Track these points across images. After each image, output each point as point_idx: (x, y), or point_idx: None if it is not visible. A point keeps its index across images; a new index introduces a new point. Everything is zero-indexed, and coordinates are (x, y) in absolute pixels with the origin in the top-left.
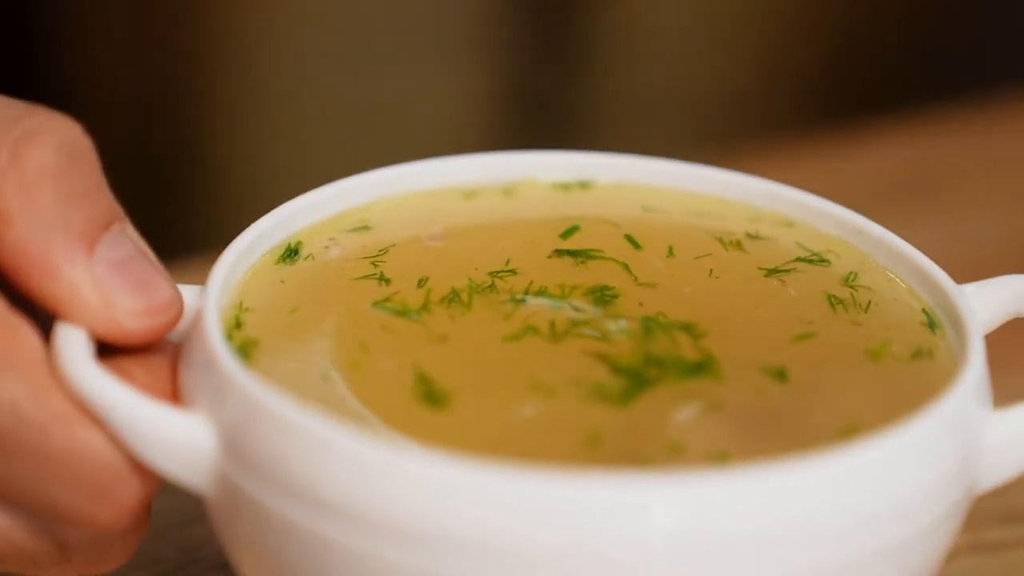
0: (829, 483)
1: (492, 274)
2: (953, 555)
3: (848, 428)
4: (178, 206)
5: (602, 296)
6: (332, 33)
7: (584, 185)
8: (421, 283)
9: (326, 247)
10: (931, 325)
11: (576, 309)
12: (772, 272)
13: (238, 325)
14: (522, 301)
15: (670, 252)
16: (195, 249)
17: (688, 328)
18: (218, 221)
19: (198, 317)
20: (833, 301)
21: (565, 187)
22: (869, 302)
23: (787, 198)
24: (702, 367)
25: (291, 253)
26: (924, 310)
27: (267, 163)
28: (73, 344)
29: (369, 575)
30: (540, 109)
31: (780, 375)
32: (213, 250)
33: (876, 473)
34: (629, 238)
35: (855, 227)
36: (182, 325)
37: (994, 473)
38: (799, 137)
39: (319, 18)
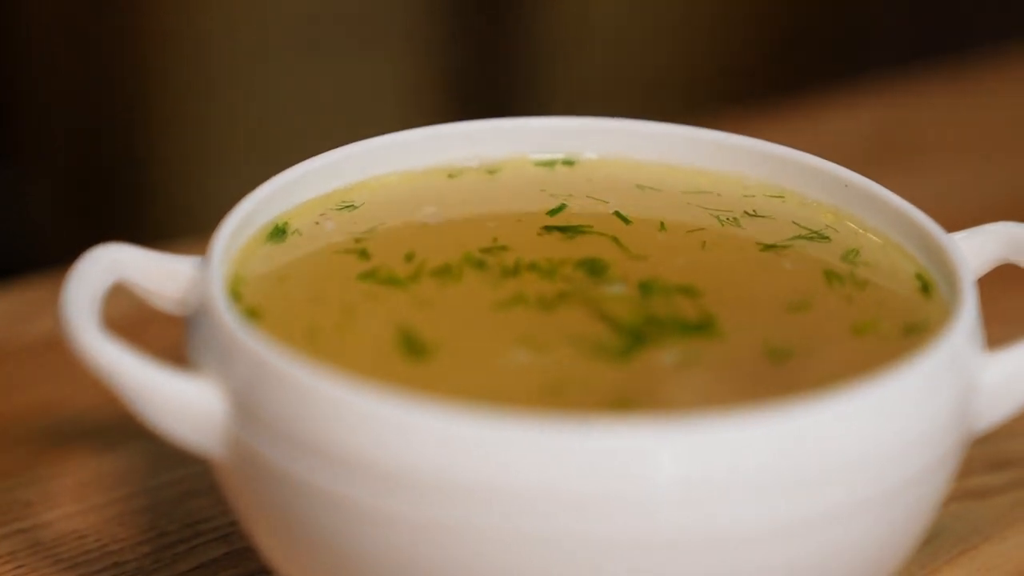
0: (828, 428)
1: (482, 250)
2: (949, 500)
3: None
4: (118, 203)
5: (593, 267)
6: (275, 23)
7: (570, 162)
8: (409, 258)
9: (315, 223)
10: (925, 288)
11: (567, 280)
12: (769, 247)
13: (237, 296)
14: (512, 273)
15: (662, 227)
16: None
17: (687, 290)
18: (156, 218)
19: (202, 285)
20: (830, 276)
21: (550, 164)
22: (867, 280)
23: (775, 155)
24: (703, 326)
25: (279, 231)
26: (918, 274)
27: (209, 156)
28: (81, 312)
29: (378, 527)
30: (488, 89)
31: (778, 340)
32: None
33: (875, 417)
34: (618, 214)
35: (841, 180)
36: (184, 296)
37: (990, 414)
38: (767, 102)
39: (260, 7)
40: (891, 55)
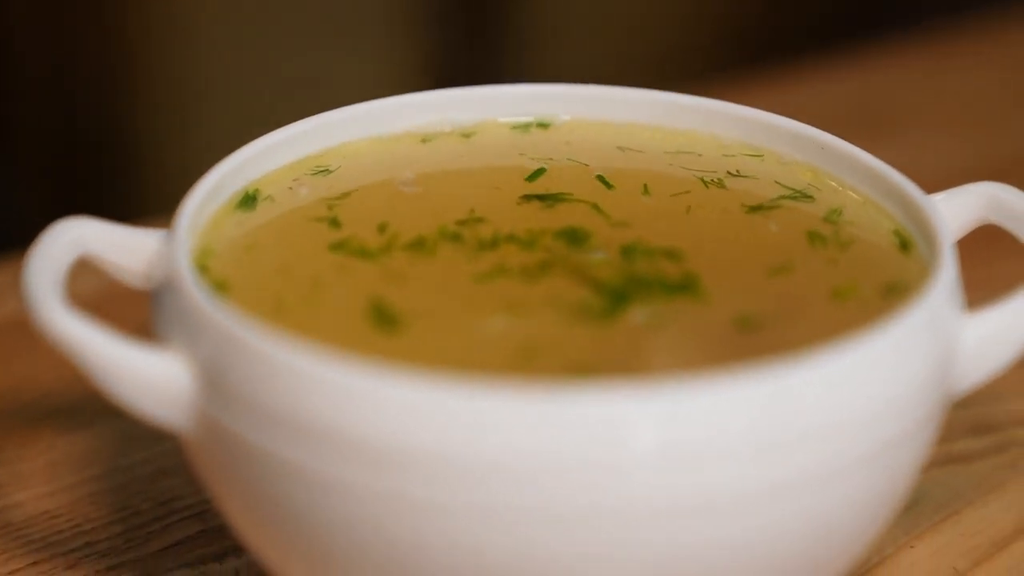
0: (804, 392)
1: (458, 223)
2: (931, 465)
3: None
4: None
5: (574, 237)
6: (257, 8)
7: (545, 124)
8: (382, 229)
9: (287, 190)
10: (904, 246)
11: (547, 250)
12: (754, 209)
13: (205, 268)
14: (490, 246)
15: (645, 190)
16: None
17: (670, 253)
18: (128, 199)
19: (167, 258)
20: (814, 237)
21: (526, 128)
22: (849, 242)
23: (751, 119)
24: (687, 286)
25: (250, 199)
26: (896, 231)
27: (191, 139)
28: (44, 287)
29: (348, 500)
30: (473, 73)
31: (759, 305)
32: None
33: (852, 379)
34: (600, 178)
35: (817, 143)
36: (151, 269)
37: (970, 375)
38: (747, 71)
39: None
40: (872, 23)
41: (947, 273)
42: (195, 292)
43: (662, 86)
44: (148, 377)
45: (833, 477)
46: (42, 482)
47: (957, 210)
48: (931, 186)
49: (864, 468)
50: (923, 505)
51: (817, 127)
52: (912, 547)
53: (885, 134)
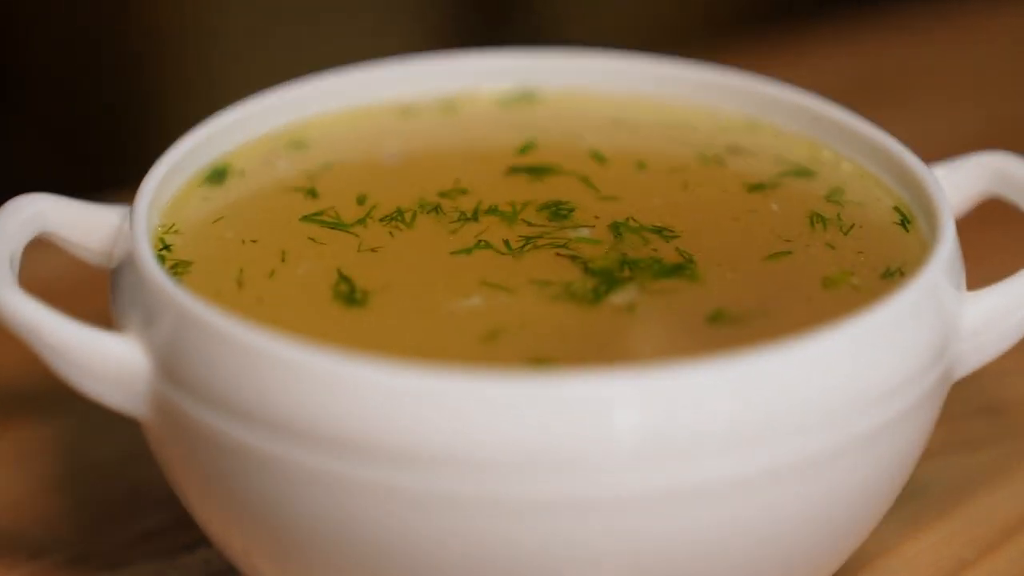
0: (795, 374)
1: (441, 194)
2: (936, 452)
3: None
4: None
5: (557, 211)
6: None
7: (529, 96)
8: (361, 200)
9: (261, 164)
10: (904, 223)
11: (530, 225)
12: (755, 188)
13: (167, 246)
14: (471, 219)
15: (640, 166)
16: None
17: (662, 232)
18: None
19: (126, 237)
20: (815, 219)
21: (512, 100)
22: (853, 224)
23: (752, 91)
24: (679, 268)
25: (220, 172)
26: (897, 207)
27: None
28: None
29: (309, 487)
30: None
31: (750, 291)
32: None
33: (845, 360)
34: (594, 153)
35: (813, 114)
36: (111, 247)
37: (972, 355)
38: (757, 37)
39: None
40: None
41: (945, 250)
42: (150, 271)
43: (669, 50)
44: (104, 361)
45: (826, 462)
46: (8, 471)
47: (960, 183)
48: (945, 153)
49: (858, 453)
50: (928, 493)
51: (830, 95)
52: (917, 537)
53: (897, 102)
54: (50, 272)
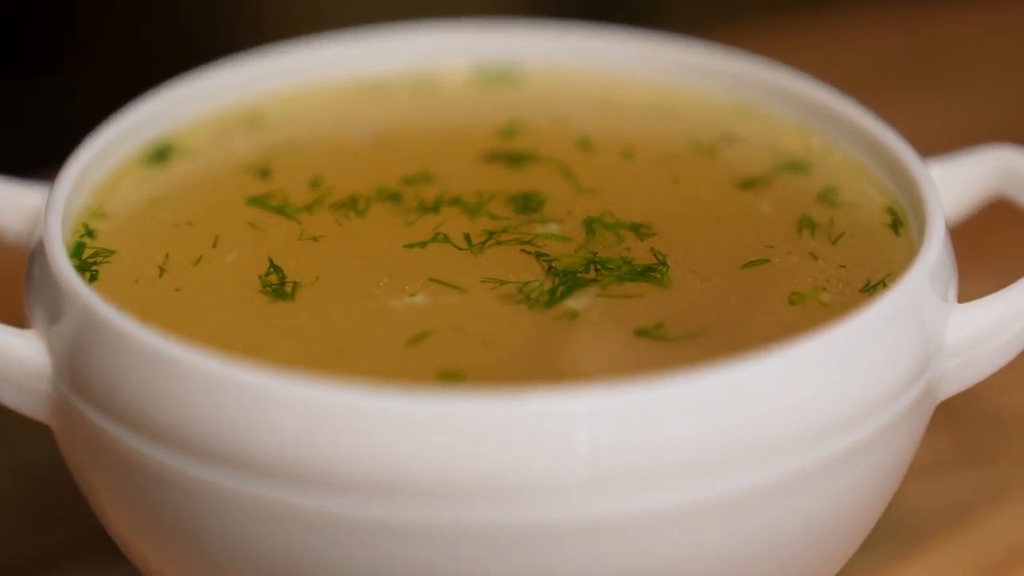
0: (759, 391)
1: (404, 181)
2: (949, 468)
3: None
4: None
5: (527, 203)
6: None
7: (511, 75)
8: (315, 184)
9: (209, 143)
10: (895, 225)
11: (495, 218)
12: (746, 185)
13: (89, 232)
14: (431, 210)
15: (627, 155)
16: None
17: (638, 229)
18: None
19: (40, 222)
20: (803, 224)
21: (493, 79)
22: (842, 233)
23: (745, 77)
24: (649, 271)
25: (163, 150)
26: (890, 207)
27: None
28: None
29: (200, 499)
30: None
31: (719, 302)
32: None
33: (812, 374)
34: (580, 139)
35: (810, 105)
36: (31, 230)
37: (961, 374)
38: (785, 18)
39: None
40: None
41: (928, 259)
42: (56, 262)
43: (694, 31)
44: (7, 359)
45: (795, 484)
46: None
47: (961, 181)
48: (978, 137)
49: (830, 474)
50: (929, 515)
51: (855, 77)
52: (919, 560)
53: (933, 82)
54: None
